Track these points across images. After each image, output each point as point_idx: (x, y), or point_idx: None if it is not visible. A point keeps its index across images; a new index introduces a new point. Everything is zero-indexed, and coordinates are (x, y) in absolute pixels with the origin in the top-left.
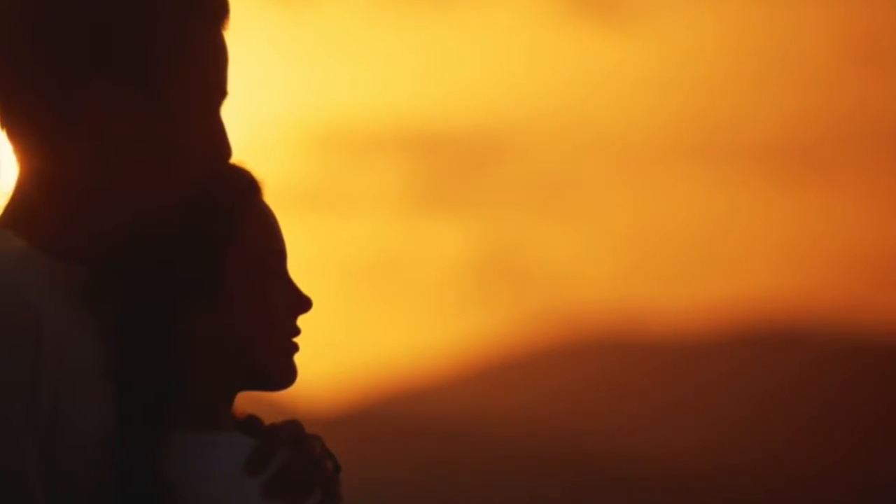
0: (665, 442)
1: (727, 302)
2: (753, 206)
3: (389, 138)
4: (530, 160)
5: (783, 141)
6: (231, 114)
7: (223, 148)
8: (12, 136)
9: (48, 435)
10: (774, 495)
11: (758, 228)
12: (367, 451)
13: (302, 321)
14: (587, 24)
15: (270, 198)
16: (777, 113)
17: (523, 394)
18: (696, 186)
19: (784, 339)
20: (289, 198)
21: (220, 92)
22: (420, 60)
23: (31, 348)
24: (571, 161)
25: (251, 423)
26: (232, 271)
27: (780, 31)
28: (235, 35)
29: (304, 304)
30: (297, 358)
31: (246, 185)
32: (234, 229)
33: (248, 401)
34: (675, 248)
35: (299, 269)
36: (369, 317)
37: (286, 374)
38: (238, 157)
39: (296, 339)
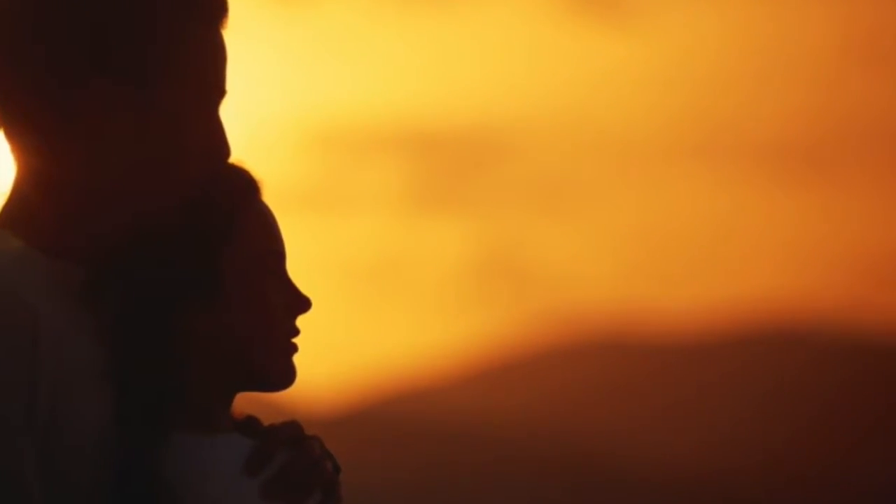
0: (666, 442)
1: (728, 302)
2: (755, 206)
3: (389, 138)
4: (531, 160)
5: (785, 140)
6: (230, 113)
7: (222, 147)
8: (10, 135)
9: (46, 435)
10: (775, 496)
11: (759, 228)
12: (366, 451)
13: (301, 321)
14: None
15: (269, 197)
16: (779, 112)
17: (523, 394)
18: (697, 186)
19: (786, 340)
20: (288, 197)
21: (218, 91)
22: (420, 59)
23: (28, 348)
24: (572, 160)
25: (250, 424)
26: (231, 271)
27: (782, 30)
28: (234, 34)
29: (303, 304)
30: (297, 358)
31: (245, 185)
32: (232, 229)
33: (247, 401)
34: (676, 248)
35: (298, 270)
36: (369, 317)
37: (285, 375)
38: (237, 156)
39: (295, 340)
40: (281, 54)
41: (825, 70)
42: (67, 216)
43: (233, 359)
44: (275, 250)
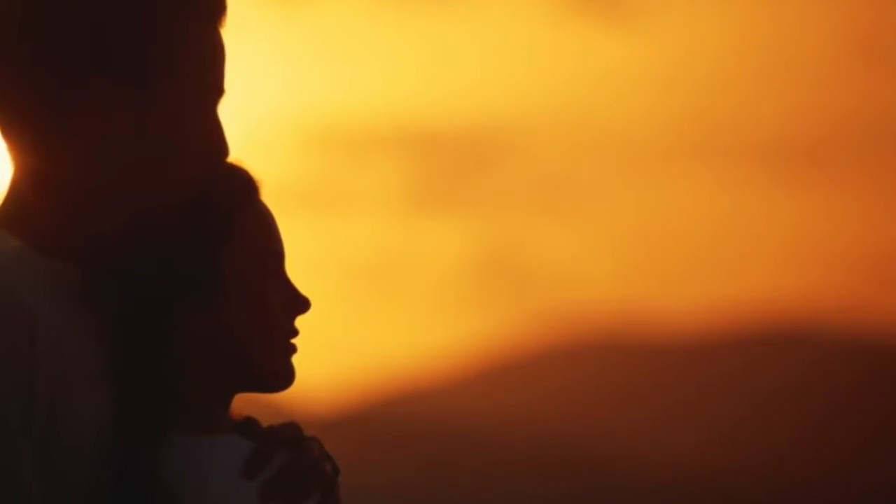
0: (666, 443)
1: (730, 302)
2: (757, 205)
3: (388, 137)
4: (531, 159)
5: (786, 140)
6: (228, 112)
7: (220, 147)
8: (7, 135)
9: (44, 435)
10: (778, 497)
11: (761, 228)
12: (365, 453)
13: (300, 322)
14: (588, 21)
15: (268, 197)
16: (780, 112)
17: (523, 395)
18: (698, 186)
19: (788, 340)
20: (287, 197)
21: (217, 90)
22: (419, 58)
23: (26, 348)
24: (572, 160)
25: (249, 425)
26: (230, 271)
27: (784, 29)
28: (233, 33)
29: (302, 304)
30: (296, 359)
31: (243, 185)
32: (231, 229)
33: (245, 402)
34: (677, 247)
35: (297, 270)
36: (368, 317)
37: (284, 376)
38: (236, 156)
39: (294, 340)
40: (280, 53)
41: (827, 69)
42: (65, 216)
43: (232, 359)
44: (274, 250)
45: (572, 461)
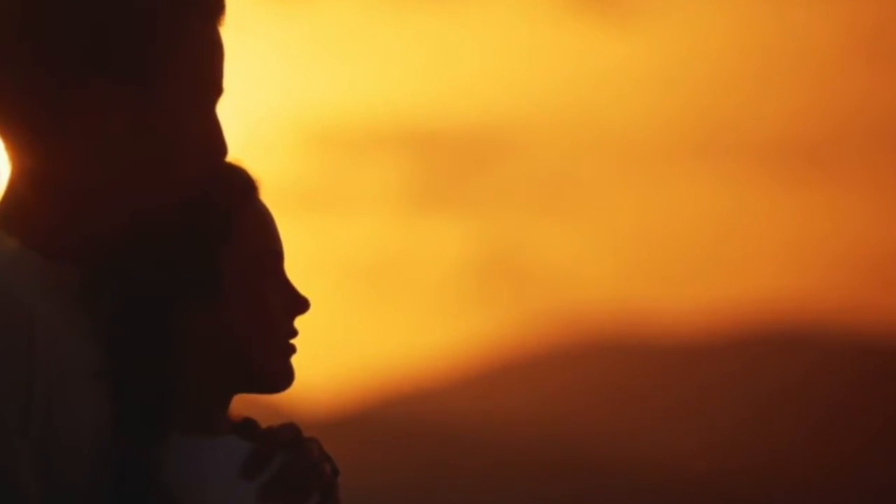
0: (668, 444)
1: (731, 302)
2: (759, 205)
3: (388, 136)
4: (531, 158)
5: (789, 139)
6: (227, 111)
7: (219, 146)
8: (5, 134)
9: (42, 436)
10: (780, 498)
11: (763, 228)
12: (365, 454)
13: (299, 322)
14: (589, 20)
15: (267, 197)
16: (783, 111)
17: (524, 395)
18: (700, 185)
19: (790, 341)
20: (286, 197)
21: (216, 89)
22: (419, 57)
23: (24, 349)
24: (573, 159)
25: (248, 426)
26: (229, 271)
27: (786, 27)
28: (231, 31)
29: (301, 304)
30: (295, 360)
31: (242, 184)
32: (230, 229)
33: (244, 403)
34: (678, 247)
35: (297, 270)
36: (368, 318)
37: (283, 376)
38: (234, 155)
39: (293, 341)
40: (279, 52)
41: (829, 68)
42: (63, 216)
43: (231, 360)
44: (273, 250)
45: (573, 462)
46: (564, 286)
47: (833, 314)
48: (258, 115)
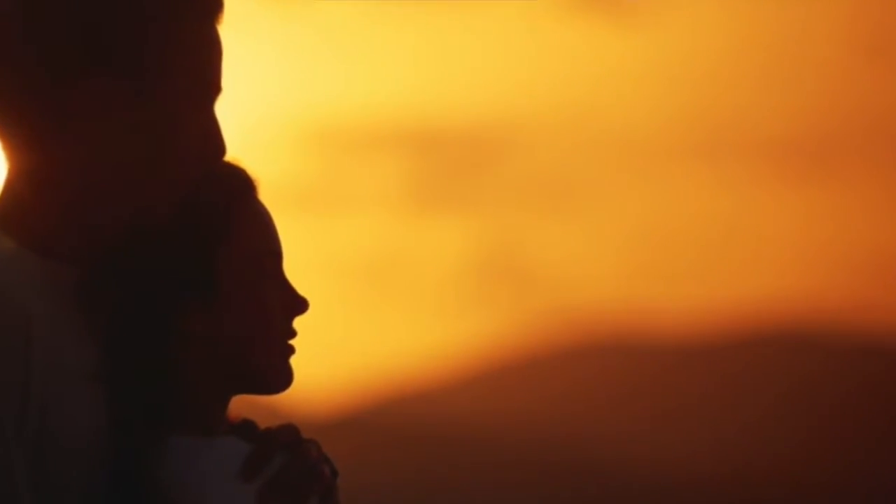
0: (671, 445)
1: (735, 302)
2: (762, 204)
3: (388, 135)
4: (532, 158)
5: (792, 138)
6: (226, 111)
7: (218, 146)
8: (2, 134)
9: (38, 437)
10: (784, 499)
11: (766, 228)
12: (364, 455)
13: (298, 323)
14: (591, 18)
15: (266, 196)
16: (785, 109)
17: (525, 396)
18: (702, 184)
19: (794, 341)
20: (285, 196)
21: (214, 88)
22: (419, 56)
23: (21, 350)
24: (575, 158)
25: (246, 427)
26: (227, 272)
27: (789, 26)
28: (230, 30)
29: (300, 305)
30: (294, 360)
31: (241, 184)
32: (228, 229)
33: (243, 404)
34: (681, 247)
35: (295, 270)
36: (367, 318)
37: (282, 377)
38: (233, 154)
39: (292, 342)
40: (278, 51)
41: (832, 67)
42: (61, 215)
43: (229, 360)
44: (271, 250)
45: (574, 462)
46: (565, 286)
47: (838, 314)
48: (257, 114)
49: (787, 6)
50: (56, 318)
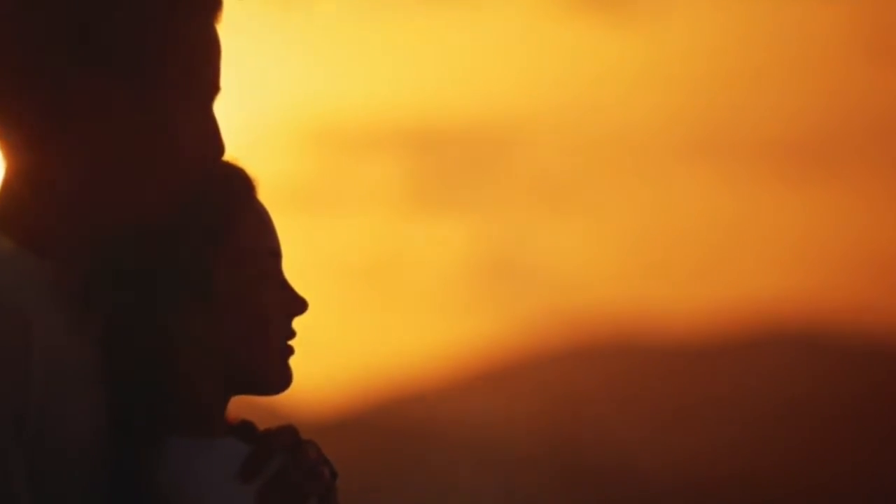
0: (675, 447)
1: (740, 303)
2: (766, 204)
3: (388, 134)
4: (533, 157)
5: (793, 138)
6: (225, 110)
7: (216, 145)
8: (1, 134)
9: (37, 438)
10: (786, 500)
11: (770, 228)
12: (364, 456)
13: (297, 323)
14: (592, 16)
15: (265, 196)
16: (786, 109)
17: (526, 398)
18: (705, 184)
19: (799, 342)
20: (284, 196)
21: (213, 87)
22: (420, 54)
23: (20, 350)
24: (574, 158)
25: (245, 429)
26: (226, 272)
27: (789, 25)
28: (228, 28)
29: (299, 305)
30: (293, 361)
31: (240, 184)
32: (227, 229)
33: (242, 405)
34: (682, 247)
35: (295, 270)
36: (366, 318)
37: (281, 378)
38: (232, 154)
39: (291, 342)
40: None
41: (832, 67)
42: (59, 215)
43: (228, 361)
44: (271, 250)
45: (576, 464)
46: (567, 287)
47: (844, 315)
48: (256, 113)
49: (787, 6)
50: (55, 319)
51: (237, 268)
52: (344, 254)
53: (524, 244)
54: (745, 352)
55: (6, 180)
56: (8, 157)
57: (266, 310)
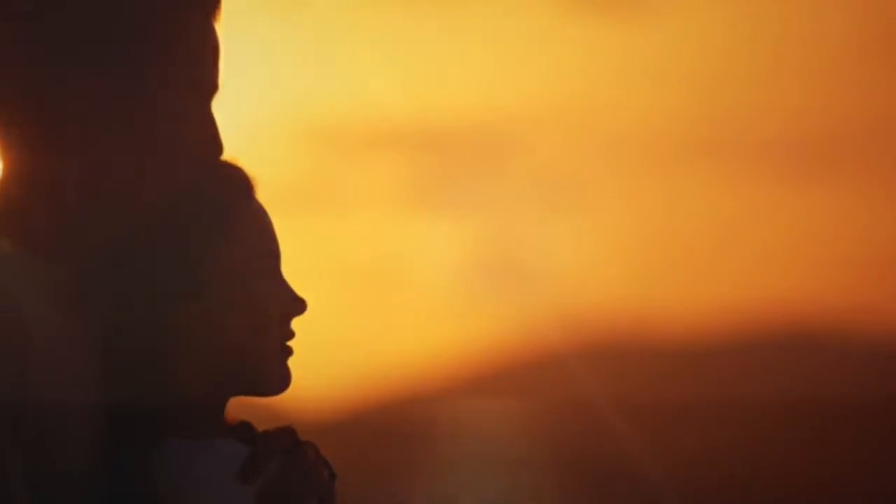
0: (676, 447)
1: (740, 303)
2: (768, 204)
3: (387, 134)
4: (533, 157)
5: (794, 138)
6: (223, 109)
7: (215, 145)
8: None
9: (35, 439)
10: (789, 501)
11: (772, 228)
12: (363, 457)
13: (296, 324)
14: (595, 13)
15: (264, 196)
16: (786, 109)
17: (527, 399)
18: (708, 184)
19: (799, 342)
20: (283, 196)
21: (211, 86)
22: (419, 53)
23: (18, 352)
24: (575, 158)
25: (244, 430)
26: (225, 272)
27: (790, 25)
28: (227, 28)
29: (298, 306)
30: (292, 362)
31: (238, 184)
32: (226, 229)
33: (241, 406)
34: (685, 247)
35: (294, 270)
36: (366, 319)
37: (280, 379)
38: (230, 154)
39: (290, 343)
40: (275, 49)
41: (833, 66)
42: (57, 216)
43: (226, 362)
44: (269, 251)
45: (578, 466)
46: (567, 287)
47: (845, 315)
48: (255, 113)
49: (787, 6)
50: (53, 320)
51: (236, 268)
52: (343, 254)
53: (525, 244)
54: (745, 352)
55: (4, 182)
56: (6, 157)
57: (265, 311)
